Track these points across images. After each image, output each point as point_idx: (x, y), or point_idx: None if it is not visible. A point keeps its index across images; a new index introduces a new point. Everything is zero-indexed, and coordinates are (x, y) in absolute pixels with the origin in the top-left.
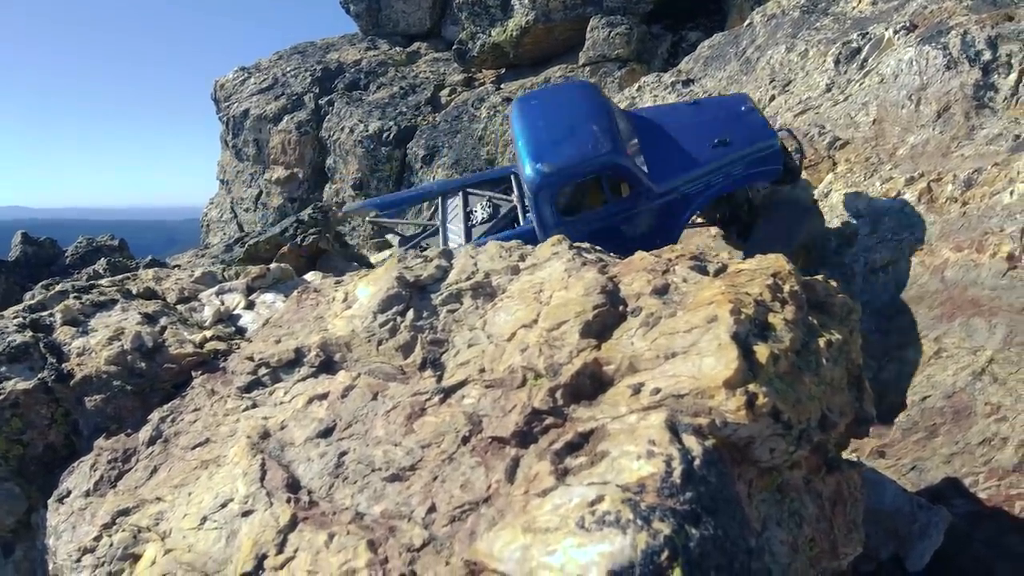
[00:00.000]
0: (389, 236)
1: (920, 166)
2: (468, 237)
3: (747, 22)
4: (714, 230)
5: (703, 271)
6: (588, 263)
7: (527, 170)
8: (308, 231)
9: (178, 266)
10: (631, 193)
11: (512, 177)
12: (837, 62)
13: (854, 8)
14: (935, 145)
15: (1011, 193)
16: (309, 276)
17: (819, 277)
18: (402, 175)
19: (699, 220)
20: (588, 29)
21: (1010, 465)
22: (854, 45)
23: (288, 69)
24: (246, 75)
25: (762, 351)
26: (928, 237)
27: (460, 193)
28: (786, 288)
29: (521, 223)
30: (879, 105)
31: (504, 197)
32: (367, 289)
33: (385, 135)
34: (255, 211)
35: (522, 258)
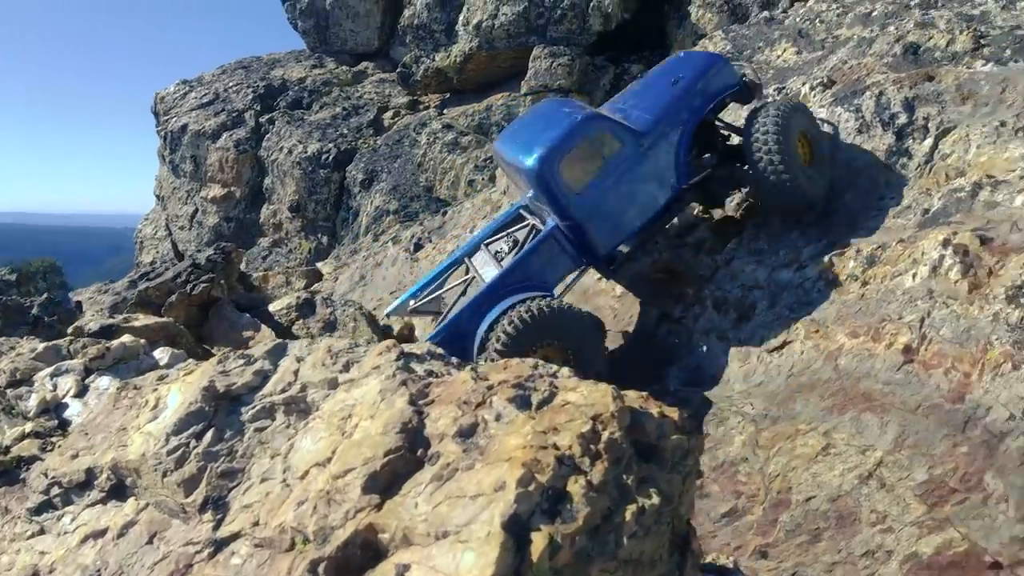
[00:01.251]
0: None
1: (825, 236)
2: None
3: None
4: (619, 289)
5: (525, 403)
6: (409, 382)
7: (526, 165)
8: (201, 278)
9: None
10: (620, 146)
11: (521, 210)
12: None
13: (779, 57)
14: (842, 215)
15: (914, 276)
16: (158, 353)
17: (655, 411)
18: (340, 198)
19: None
20: (531, 58)
21: None
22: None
23: (231, 84)
24: (187, 88)
25: (539, 541)
26: (825, 318)
27: (482, 247)
28: (605, 436)
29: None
30: None
31: (521, 225)
32: (177, 397)
33: (324, 157)
34: (190, 229)
35: (346, 367)
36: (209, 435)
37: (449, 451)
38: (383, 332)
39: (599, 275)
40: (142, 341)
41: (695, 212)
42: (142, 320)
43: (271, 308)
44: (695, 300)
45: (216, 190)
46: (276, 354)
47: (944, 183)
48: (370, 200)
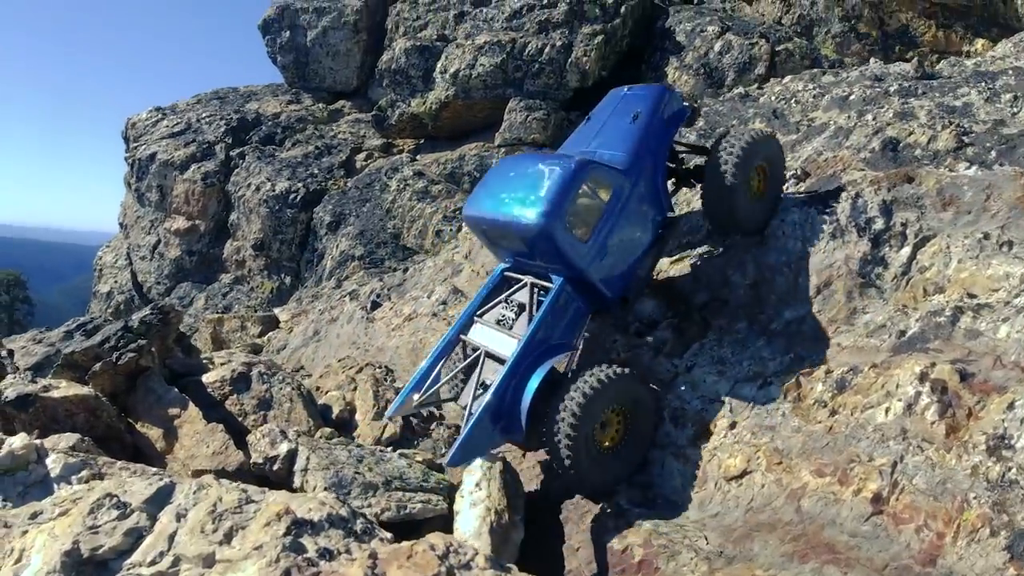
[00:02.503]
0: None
1: (792, 349)
2: (526, 330)
3: None
4: None
5: None
6: (293, 572)
7: (527, 222)
8: (130, 345)
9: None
10: (612, 187)
11: (503, 276)
12: None
13: None
14: (811, 326)
15: (887, 411)
16: (51, 461)
17: None
18: (306, 239)
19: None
20: (506, 110)
21: None
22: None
23: (204, 115)
24: (160, 116)
25: None
26: (788, 449)
27: (475, 322)
28: None
29: (552, 287)
30: (756, 267)
31: (517, 287)
32: (39, 557)
33: (292, 197)
34: (151, 260)
35: (228, 537)
36: None
37: None
38: (320, 413)
39: None
40: (37, 443)
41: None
42: (63, 389)
43: (204, 379)
44: None
45: (180, 222)
46: (157, 503)
47: (922, 299)
48: (336, 244)
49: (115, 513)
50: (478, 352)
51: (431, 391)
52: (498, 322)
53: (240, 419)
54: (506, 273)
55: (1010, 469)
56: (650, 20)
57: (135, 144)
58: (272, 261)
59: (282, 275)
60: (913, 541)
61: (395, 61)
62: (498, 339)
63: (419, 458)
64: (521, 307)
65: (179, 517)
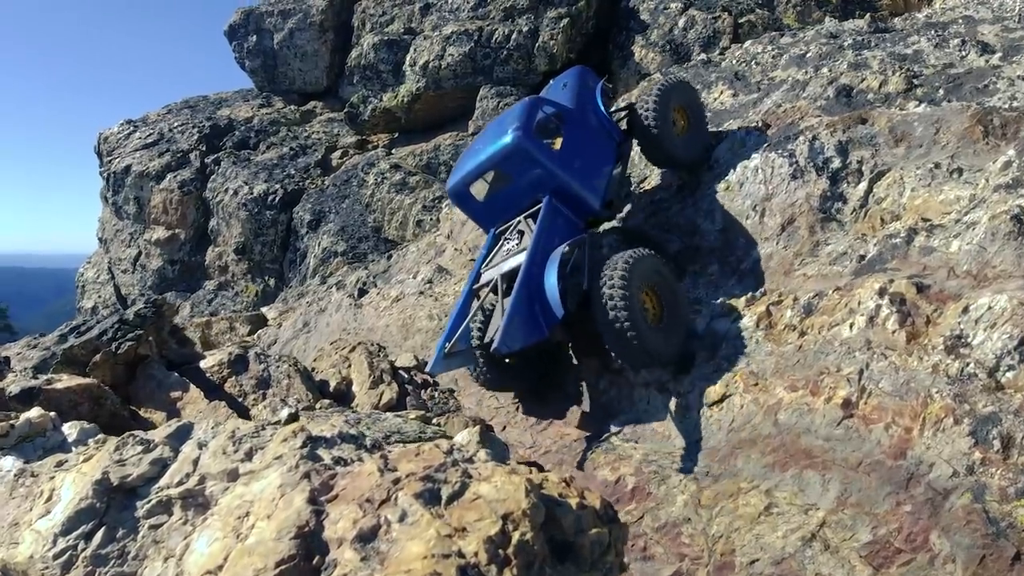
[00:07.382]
0: None
1: (762, 284)
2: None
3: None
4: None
5: (433, 498)
6: (312, 474)
7: (504, 144)
8: (128, 335)
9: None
10: (565, 115)
11: (495, 236)
12: None
13: (715, 99)
14: (778, 261)
15: (851, 326)
16: (67, 428)
17: (574, 501)
18: (287, 240)
19: None
20: (478, 98)
21: None
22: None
23: (176, 124)
24: (132, 128)
25: None
26: (763, 371)
27: (483, 271)
28: (515, 537)
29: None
30: (724, 214)
31: (512, 231)
32: (70, 490)
33: (270, 198)
34: (133, 272)
35: (248, 455)
36: (100, 535)
37: (347, 560)
38: (319, 388)
39: None
40: (52, 415)
41: None
42: (65, 381)
43: (203, 365)
44: None
45: (160, 232)
46: (178, 438)
47: (879, 227)
48: (317, 241)
49: (139, 448)
50: (492, 281)
51: (459, 339)
52: (506, 252)
53: (240, 399)
54: (496, 232)
55: (968, 364)
56: (615, 0)
57: (109, 158)
58: (255, 264)
59: (266, 277)
60: (883, 438)
61: (364, 57)
62: (510, 261)
63: (412, 415)
64: (521, 233)
65: (200, 446)
